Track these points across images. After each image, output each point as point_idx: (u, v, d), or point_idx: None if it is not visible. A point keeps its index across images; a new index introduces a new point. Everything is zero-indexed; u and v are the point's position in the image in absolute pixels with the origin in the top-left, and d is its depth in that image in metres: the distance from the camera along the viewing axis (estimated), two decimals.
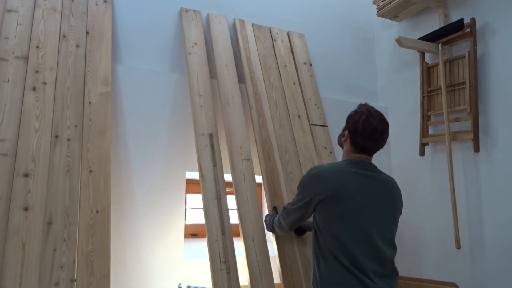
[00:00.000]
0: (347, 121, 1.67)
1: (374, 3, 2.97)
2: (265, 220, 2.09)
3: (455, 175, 2.47)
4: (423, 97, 2.73)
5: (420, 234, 2.73)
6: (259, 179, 2.34)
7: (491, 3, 2.42)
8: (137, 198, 2.16)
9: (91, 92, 2.08)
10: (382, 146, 1.64)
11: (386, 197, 1.56)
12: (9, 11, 2.04)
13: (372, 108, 1.69)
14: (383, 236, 1.51)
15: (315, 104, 2.68)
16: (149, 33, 2.44)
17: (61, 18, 2.17)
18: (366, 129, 1.58)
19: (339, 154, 2.73)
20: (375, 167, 1.63)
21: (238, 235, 2.07)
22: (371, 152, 1.63)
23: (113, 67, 2.23)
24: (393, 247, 1.56)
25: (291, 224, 1.78)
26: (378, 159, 2.97)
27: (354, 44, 3.20)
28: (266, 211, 2.37)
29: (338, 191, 1.50)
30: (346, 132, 1.64)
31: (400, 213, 1.63)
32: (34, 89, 1.95)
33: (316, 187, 1.54)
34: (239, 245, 2.04)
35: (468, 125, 2.46)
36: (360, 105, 1.71)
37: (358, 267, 1.43)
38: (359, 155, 1.61)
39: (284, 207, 1.78)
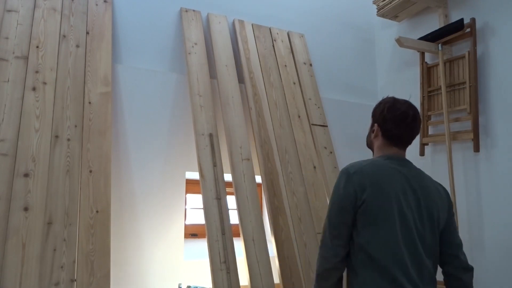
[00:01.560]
0: (373, 115, 1.49)
1: (374, 3, 2.97)
2: None
3: (455, 175, 2.47)
4: (423, 97, 2.73)
5: None
6: (259, 179, 2.34)
7: (491, 3, 2.42)
8: (137, 198, 2.16)
9: (91, 92, 2.08)
10: (417, 133, 1.45)
11: (428, 198, 1.37)
12: (9, 11, 2.04)
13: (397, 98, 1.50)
14: (425, 245, 1.33)
15: (315, 104, 2.68)
16: (149, 33, 2.44)
17: (61, 18, 2.17)
18: (396, 114, 1.41)
19: (339, 154, 2.74)
20: (412, 164, 1.44)
21: (238, 235, 2.07)
22: (406, 142, 1.44)
23: (113, 67, 2.23)
24: (434, 256, 1.36)
25: (334, 243, 1.36)
26: None
27: (354, 44, 3.20)
28: (266, 211, 2.37)
29: (381, 191, 1.31)
30: (375, 126, 1.45)
31: (449, 216, 1.42)
32: (34, 89, 1.95)
33: (358, 184, 1.32)
34: (239, 245, 2.04)
35: (468, 125, 2.46)
36: (384, 98, 1.52)
37: (396, 280, 1.25)
38: (394, 150, 1.43)
39: (321, 243, 1.42)
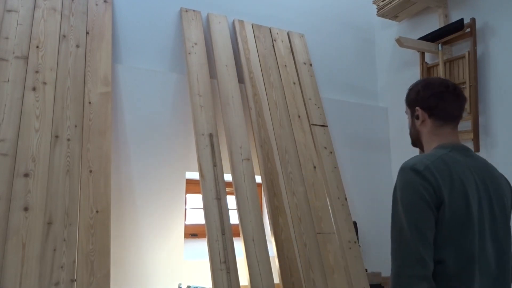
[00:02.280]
0: (410, 101, 1.31)
1: (374, 3, 2.97)
2: None
3: None
4: None
5: None
6: (259, 179, 2.34)
7: (491, 3, 2.42)
8: (137, 198, 2.16)
9: (91, 92, 2.08)
10: (465, 102, 1.28)
11: (499, 191, 1.20)
12: (9, 11, 2.04)
13: None
14: (501, 247, 1.17)
15: (315, 104, 2.68)
16: (149, 33, 2.44)
17: (61, 18, 2.17)
18: (435, 86, 1.25)
19: (339, 154, 2.74)
20: (473, 152, 1.26)
21: (238, 235, 2.07)
22: (458, 116, 1.26)
23: (113, 67, 2.23)
24: (508, 260, 1.18)
25: (422, 254, 1.08)
26: (378, 159, 2.99)
27: (354, 44, 3.20)
28: (266, 211, 2.37)
29: (458, 192, 1.12)
30: (418, 110, 1.27)
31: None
32: (34, 89, 1.95)
33: (432, 183, 1.11)
34: (239, 245, 2.04)
35: (468, 125, 2.46)
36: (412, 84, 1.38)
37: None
38: (448, 131, 1.24)
39: (395, 260, 1.13)
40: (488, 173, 1.21)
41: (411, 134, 1.35)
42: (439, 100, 1.24)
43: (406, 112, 1.36)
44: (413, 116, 1.30)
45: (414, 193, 1.12)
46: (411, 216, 1.11)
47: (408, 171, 1.14)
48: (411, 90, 1.32)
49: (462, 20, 2.44)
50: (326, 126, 2.65)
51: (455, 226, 1.11)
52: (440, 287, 1.10)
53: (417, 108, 1.28)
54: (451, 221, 1.11)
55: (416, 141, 1.33)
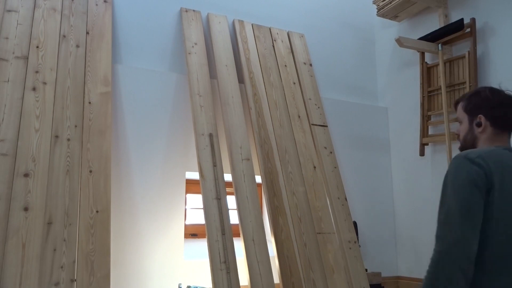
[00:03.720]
0: (473, 107, 1.32)
1: (374, 3, 2.97)
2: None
3: None
4: (423, 97, 2.73)
5: (421, 234, 2.73)
6: (259, 179, 2.34)
7: (491, 3, 2.42)
8: (137, 198, 2.16)
9: (91, 92, 2.08)
10: None
11: None
12: (9, 11, 2.04)
13: None
14: None
15: (315, 104, 2.68)
16: (149, 33, 2.44)
17: (61, 18, 2.17)
18: (501, 97, 1.29)
19: (339, 154, 2.74)
20: None
21: (238, 235, 2.07)
22: None
23: (113, 67, 2.23)
24: None
25: (468, 239, 1.10)
26: (378, 159, 2.99)
27: (354, 44, 3.20)
28: (266, 211, 2.37)
29: (508, 178, 1.14)
30: (480, 117, 1.29)
31: None
32: (34, 89, 1.95)
33: (484, 168, 1.14)
34: (239, 245, 2.04)
35: None
36: (473, 89, 1.41)
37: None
38: (505, 139, 1.28)
39: (439, 246, 1.15)
40: None
41: (466, 139, 1.35)
42: (504, 111, 1.28)
43: (460, 118, 1.37)
44: (473, 123, 1.33)
45: (465, 177, 1.15)
46: (460, 198, 1.14)
47: (461, 158, 1.18)
48: (470, 97, 1.35)
49: (462, 20, 2.44)
50: (326, 126, 2.65)
51: (505, 210, 1.13)
52: (484, 272, 1.11)
53: (480, 115, 1.30)
54: (501, 205, 1.13)
55: (471, 147, 1.34)
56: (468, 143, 1.35)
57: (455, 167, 1.19)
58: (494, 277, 1.12)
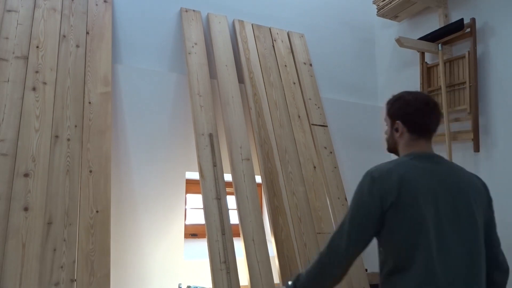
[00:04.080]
0: (391, 113, 1.38)
1: (374, 3, 2.97)
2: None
3: None
4: None
5: None
6: (259, 179, 2.34)
7: (491, 3, 2.42)
8: (137, 198, 2.16)
9: (91, 92, 2.08)
10: (441, 118, 1.39)
11: (466, 195, 1.24)
12: (9, 11, 2.04)
13: None
14: (468, 250, 1.19)
15: (315, 104, 2.68)
16: (149, 33, 2.44)
17: (61, 18, 2.17)
18: (417, 103, 1.33)
19: (339, 154, 2.74)
20: (443, 158, 1.33)
21: (238, 235, 2.07)
22: (433, 131, 1.34)
23: (113, 67, 2.23)
24: (480, 259, 1.21)
25: (349, 251, 1.26)
26: (378, 159, 2.98)
27: (354, 44, 3.20)
28: (266, 211, 2.37)
29: (410, 195, 1.20)
30: (398, 123, 1.34)
31: (489, 212, 1.33)
32: (34, 89, 1.95)
33: (383, 189, 1.22)
34: (239, 245, 2.04)
35: (468, 125, 2.46)
36: (393, 96, 1.45)
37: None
38: (422, 144, 1.33)
39: (329, 245, 1.29)
40: (456, 178, 1.27)
41: (388, 143, 1.42)
42: (420, 117, 1.32)
43: (385, 120, 1.42)
44: (393, 128, 1.37)
45: (365, 194, 1.24)
46: (353, 213, 1.26)
47: (367, 175, 1.27)
48: (394, 102, 1.39)
49: (462, 20, 2.44)
50: (326, 126, 2.65)
51: (405, 225, 1.19)
52: (392, 276, 1.23)
53: (397, 122, 1.35)
54: (401, 221, 1.20)
55: (393, 150, 1.41)
56: (390, 146, 1.41)
57: (360, 183, 1.28)
58: (405, 282, 1.19)
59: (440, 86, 2.57)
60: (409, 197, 1.20)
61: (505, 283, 1.29)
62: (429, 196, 1.21)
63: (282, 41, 2.79)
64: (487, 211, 1.31)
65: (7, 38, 1.98)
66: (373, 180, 1.24)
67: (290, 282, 1.40)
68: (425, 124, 1.32)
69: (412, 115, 1.32)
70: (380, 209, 1.22)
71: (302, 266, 2.09)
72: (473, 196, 1.26)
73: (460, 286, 1.15)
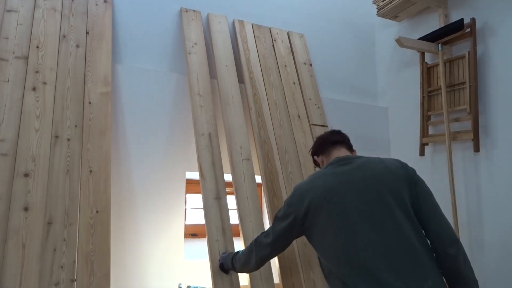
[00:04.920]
0: (313, 155, 1.71)
1: (374, 3, 2.97)
2: (219, 260, 1.87)
3: (455, 175, 2.47)
4: (423, 97, 2.73)
5: None
6: (259, 179, 2.34)
7: (491, 3, 2.42)
8: (137, 198, 2.16)
9: (91, 92, 2.08)
10: (345, 136, 1.66)
11: (372, 186, 1.31)
12: (9, 11, 2.04)
13: None
14: (390, 240, 1.22)
15: (315, 104, 2.68)
16: (149, 33, 2.44)
17: (61, 18, 2.17)
18: (320, 137, 1.68)
19: None
20: (358, 156, 1.47)
21: (238, 235, 2.07)
22: (339, 142, 1.60)
23: (113, 67, 2.23)
24: (412, 248, 1.22)
25: (267, 253, 1.52)
26: None
27: (354, 44, 3.20)
28: (266, 211, 2.37)
29: (317, 199, 1.32)
30: (316, 158, 1.67)
31: (414, 191, 1.34)
32: (34, 89, 1.95)
33: (298, 201, 1.37)
34: (239, 245, 2.04)
35: (468, 125, 2.46)
36: None
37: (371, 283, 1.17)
38: (334, 154, 1.55)
39: (256, 239, 1.55)
40: (361, 173, 1.36)
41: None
42: (322, 140, 1.64)
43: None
44: (316, 163, 1.70)
45: (283, 210, 1.43)
46: (274, 224, 1.47)
47: (293, 189, 1.45)
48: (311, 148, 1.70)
49: (462, 20, 2.44)
50: (326, 126, 2.65)
51: (322, 228, 1.31)
52: (330, 278, 1.31)
53: (315, 157, 1.68)
54: (317, 226, 1.31)
55: None
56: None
57: (285, 201, 1.46)
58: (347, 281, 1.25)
59: (440, 86, 2.57)
60: (316, 206, 1.32)
61: (457, 254, 1.29)
62: (334, 197, 1.31)
63: (282, 41, 2.79)
64: (412, 192, 1.34)
65: (7, 38, 1.98)
66: (291, 196, 1.43)
67: (229, 254, 1.77)
68: (330, 139, 1.61)
69: (319, 147, 1.65)
70: (294, 221, 1.37)
71: (302, 266, 2.09)
72: (387, 184, 1.32)
73: (384, 276, 1.16)
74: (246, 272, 1.83)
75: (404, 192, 1.32)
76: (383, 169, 1.37)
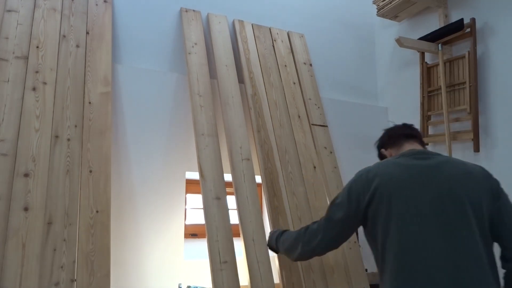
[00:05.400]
0: (378, 148, 1.64)
1: (374, 3, 2.97)
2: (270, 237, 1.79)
3: None
4: (423, 97, 2.73)
5: None
6: (259, 179, 2.34)
7: (491, 3, 2.42)
8: (137, 198, 2.15)
9: (91, 92, 2.08)
10: (417, 131, 1.51)
11: (456, 186, 1.20)
12: (9, 11, 2.04)
13: None
14: (457, 246, 1.13)
15: (315, 104, 2.68)
16: (149, 33, 2.44)
17: (61, 18, 2.17)
18: (392, 128, 1.55)
19: (339, 154, 2.74)
20: (437, 153, 1.34)
21: (238, 235, 2.07)
22: (413, 136, 1.45)
23: (113, 67, 2.23)
24: (479, 260, 1.13)
25: (327, 242, 1.39)
26: (378, 159, 2.98)
27: (354, 44, 3.20)
28: (266, 211, 2.37)
29: (386, 187, 1.21)
30: (382, 151, 1.57)
31: (493, 199, 1.24)
32: (34, 89, 1.95)
33: (363, 186, 1.26)
34: (239, 245, 2.04)
35: (468, 125, 2.46)
36: None
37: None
38: (406, 147, 1.40)
39: (307, 227, 1.45)
40: (447, 170, 1.24)
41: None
42: (395, 133, 1.55)
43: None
44: (381, 155, 1.61)
45: (342, 194, 1.34)
46: (331, 209, 1.37)
47: (356, 174, 1.35)
48: (378, 140, 1.66)
49: (462, 20, 2.44)
50: (326, 126, 2.65)
51: (386, 217, 1.20)
52: (384, 279, 1.23)
53: (381, 150, 1.59)
54: (382, 214, 1.21)
55: None
56: None
57: (346, 184, 1.39)
58: (388, 275, 1.21)
59: (440, 86, 2.57)
60: (382, 195, 1.22)
61: None
62: (406, 190, 1.20)
63: (282, 41, 2.79)
64: (492, 201, 1.24)
65: (7, 38, 1.98)
66: (354, 180, 1.33)
67: (276, 232, 1.69)
68: (403, 134, 1.50)
69: (390, 138, 1.57)
70: (356, 209, 1.28)
71: (302, 266, 2.09)
72: (467, 190, 1.21)
73: (442, 281, 1.09)
74: (291, 260, 1.63)
75: (484, 203, 1.21)
76: (464, 173, 1.25)
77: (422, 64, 2.76)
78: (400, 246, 1.16)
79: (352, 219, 1.31)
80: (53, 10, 2.16)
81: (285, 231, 1.66)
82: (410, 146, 1.40)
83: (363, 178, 1.29)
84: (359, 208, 1.27)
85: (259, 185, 2.44)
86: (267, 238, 1.84)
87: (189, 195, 2.57)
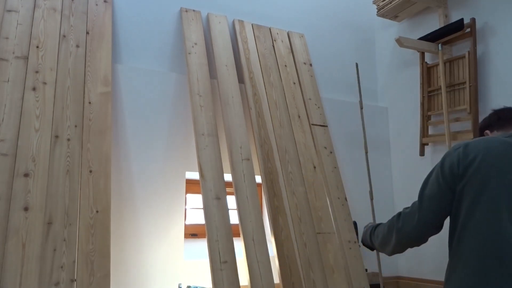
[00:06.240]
0: (482, 128, 1.48)
1: (374, 3, 2.97)
2: (365, 232, 1.68)
3: None
4: (423, 97, 2.73)
5: None
6: (259, 179, 2.34)
7: (491, 3, 2.42)
8: (137, 198, 2.16)
9: (91, 92, 2.08)
10: None
11: None
12: (9, 11, 2.04)
13: None
14: None
15: (315, 104, 2.68)
16: (149, 33, 2.44)
17: (61, 18, 2.17)
18: (503, 110, 1.40)
19: (339, 154, 2.74)
20: None
21: (238, 235, 2.07)
22: None
23: (113, 67, 2.23)
24: None
25: (424, 223, 1.29)
26: (378, 159, 2.99)
27: (354, 44, 3.20)
28: (266, 211, 2.37)
29: (485, 161, 1.14)
30: (489, 133, 1.40)
31: None
32: (34, 89, 1.95)
33: (459, 158, 1.18)
34: (239, 245, 2.04)
35: (468, 125, 2.46)
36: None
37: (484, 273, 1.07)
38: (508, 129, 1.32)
39: (399, 213, 1.36)
40: None
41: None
42: (505, 116, 1.41)
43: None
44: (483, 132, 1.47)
45: (437, 169, 1.26)
46: (423, 188, 1.29)
47: (452, 147, 1.28)
48: (484, 120, 1.52)
49: (462, 20, 2.44)
50: (326, 126, 2.65)
51: (477, 194, 1.13)
52: (453, 263, 1.18)
53: (486, 132, 1.43)
54: (474, 190, 1.14)
55: None
56: None
57: (439, 161, 1.31)
58: (462, 261, 1.16)
59: (440, 86, 2.57)
60: (478, 164, 1.15)
61: None
62: (509, 173, 1.12)
63: (282, 41, 2.79)
64: None
65: (7, 38, 1.98)
66: (450, 152, 1.26)
67: (369, 228, 1.57)
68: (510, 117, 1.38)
69: (499, 121, 1.40)
70: (449, 182, 1.21)
71: (302, 266, 2.09)
72: None
73: None
74: (387, 254, 1.52)
75: None
76: None
77: (422, 64, 2.76)
78: (482, 235, 1.11)
79: (445, 191, 1.23)
80: (53, 10, 2.16)
81: (379, 225, 1.55)
82: None
83: (461, 150, 1.21)
84: (453, 177, 1.20)
85: (259, 185, 2.44)
86: (359, 237, 1.70)
87: (189, 195, 2.57)
